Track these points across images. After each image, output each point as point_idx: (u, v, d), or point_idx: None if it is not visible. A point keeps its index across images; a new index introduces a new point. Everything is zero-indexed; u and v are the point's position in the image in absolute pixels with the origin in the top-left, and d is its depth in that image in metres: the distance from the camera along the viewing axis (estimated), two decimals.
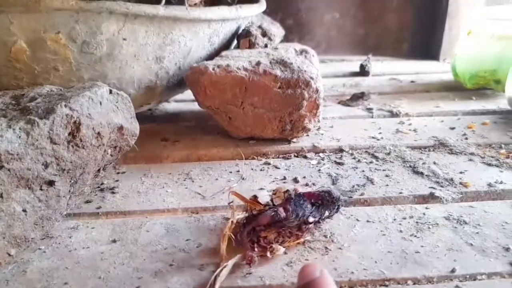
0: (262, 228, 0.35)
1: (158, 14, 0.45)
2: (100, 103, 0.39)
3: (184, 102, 0.75)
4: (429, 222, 0.39)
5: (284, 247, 0.34)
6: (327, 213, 0.37)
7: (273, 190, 0.39)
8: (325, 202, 0.37)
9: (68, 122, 0.35)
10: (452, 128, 0.61)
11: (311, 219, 0.36)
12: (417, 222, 0.39)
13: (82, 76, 0.46)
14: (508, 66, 0.67)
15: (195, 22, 0.51)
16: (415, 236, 0.37)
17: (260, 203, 0.38)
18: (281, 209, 0.35)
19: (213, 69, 0.51)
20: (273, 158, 0.53)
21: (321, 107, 0.54)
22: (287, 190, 0.38)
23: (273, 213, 0.35)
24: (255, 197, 0.38)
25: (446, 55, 1.04)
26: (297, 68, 0.52)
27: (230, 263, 0.31)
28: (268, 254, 0.33)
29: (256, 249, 0.33)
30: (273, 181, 0.47)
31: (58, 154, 0.34)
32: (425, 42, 1.08)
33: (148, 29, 0.46)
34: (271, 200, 0.38)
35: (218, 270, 0.31)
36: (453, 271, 0.32)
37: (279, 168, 0.50)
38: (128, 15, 0.43)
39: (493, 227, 0.38)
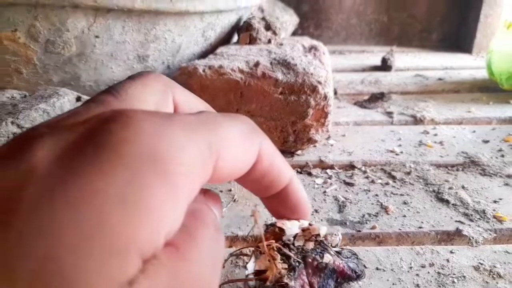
0: None
1: (135, 8, 0.38)
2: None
3: None
4: (454, 274, 0.31)
5: None
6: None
7: (303, 227, 0.29)
8: (347, 279, 0.30)
9: None
10: (486, 142, 0.52)
11: None
12: (438, 273, 0.31)
13: (50, 79, 0.40)
14: None
15: (183, 15, 0.43)
16: None
17: (279, 238, 0.29)
18: (306, 283, 0.27)
19: (204, 70, 0.44)
20: None
21: (330, 116, 0.47)
22: (318, 236, 0.29)
23: None
24: (280, 229, 0.26)
25: (480, 48, 0.93)
26: (302, 71, 0.44)
27: None
28: None
29: None
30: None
31: None
32: (457, 32, 0.97)
33: (125, 25, 0.39)
34: (294, 237, 0.29)
35: None
36: None
37: None
38: (99, 9, 0.36)
39: None
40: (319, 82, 0.44)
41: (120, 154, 0.12)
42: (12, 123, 0.30)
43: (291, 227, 0.26)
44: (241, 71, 0.44)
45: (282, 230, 0.26)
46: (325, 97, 0.45)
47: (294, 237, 0.28)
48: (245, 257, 0.33)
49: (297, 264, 0.27)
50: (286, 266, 0.27)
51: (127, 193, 0.11)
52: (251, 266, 0.27)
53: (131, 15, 0.39)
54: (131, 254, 0.11)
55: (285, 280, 0.26)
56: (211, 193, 0.17)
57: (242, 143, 0.15)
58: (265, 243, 0.26)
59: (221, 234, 0.15)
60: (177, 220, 0.13)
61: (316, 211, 0.39)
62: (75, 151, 0.12)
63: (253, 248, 0.28)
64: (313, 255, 0.27)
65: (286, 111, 0.45)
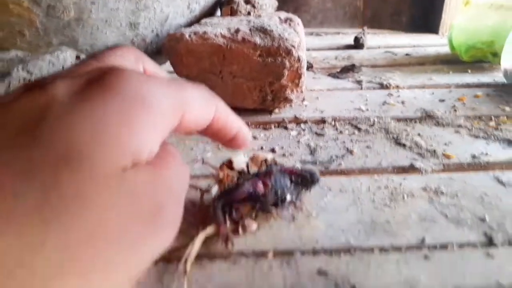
0: (236, 202, 0.33)
1: None
2: (63, 67, 0.37)
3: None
4: (405, 193, 0.37)
5: (256, 221, 0.33)
6: (303, 191, 0.35)
7: (250, 157, 0.37)
8: (304, 181, 0.35)
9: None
10: (442, 101, 0.59)
11: (288, 197, 0.34)
12: (392, 193, 0.37)
13: (50, 42, 0.44)
14: (506, 38, 0.64)
15: None
16: (388, 206, 0.35)
17: (234, 169, 0.36)
18: (260, 185, 0.33)
19: (189, 36, 0.49)
20: (252, 129, 0.51)
21: (303, 77, 0.53)
22: (266, 160, 0.37)
23: (251, 191, 0.33)
24: (229, 162, 0.37)
25: (446, 28, 1.00)
26: (278, 36, 0.50)
27: (201, 237, 0.30)
28: (240, 231, 0.32)
29: (228, 223, 0.32)
30: (250, 152, 0.45)
31: None
32: (425, 14, 1.04)
33: None
34: (247, 166, 0.36)
35: (189, 248, 0.29)
36: (423, 240, 0.31)
37: (257, 139, 0.49)
38: None
39: (471, 198, 0.36)
40: (293, 46, 0.50)
41: (118, 92, 0.16)
42: (23, 69, 0.34)
43: (237, 157, 0.36)
44: (223, 36, 0.49)
45: (231, 162, 0.36)
46: (299, 59, 0.50)
47: (247, 166, 0.35)
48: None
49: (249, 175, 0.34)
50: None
51: (124, 114, 0.15)
52: (214, 189, 0.36)
53: None
54: (126, 151, 0.15)
55: (238, 182, 0.33)
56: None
57: (203, 104, 0.20)
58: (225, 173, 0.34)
59: (186, 165, 0.19)
60: (155, 146, 0.17)
61: (291, 154, 0.45)
62: (84, 89, 0.15)
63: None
64: (263, 168, 0.35)
65: (264, 72, 0.50)
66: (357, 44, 0.88)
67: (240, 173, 0.36)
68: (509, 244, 0.31)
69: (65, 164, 0.13)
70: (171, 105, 0.17)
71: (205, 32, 0.49)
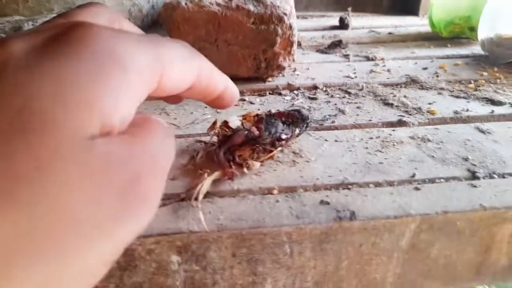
0: (236, 147, 0.36)
1: None
2: None
3: None
4: (395, 141, 0.40)
5: (259, 162, 0.35)
6: (297, 131, 0.38)
7: (243, 115, 0.40)
8: (295, 120, 0.38)
9: None
10: (425, 68, 0.62)
11: (283, 136, 0.37)
12: (383, 141, 0.40)
13: (52, 9, 0.45)
14: (481, 12, 0.68)
15: None
16: (380, 151, 0.38)
17: (231, 128, 0.39)
18: (253, 128, 0.36)
19: (186, 4, 0.50)
20: (248, 96, 0.54)
21: (295, 45, 0.55)
22: (258, 114, 0.39)
23: (246, 132, 0.35)
24: (225, 122, 0.39)
25: (425, 10, 1.04)
26: (270, 4, 0.52)
27: (210, 178, 0.32)
28: (245, 169, 0.34)
29: (232, 167, 0.34)
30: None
31: None
32: None
33: None
34: (242, 124, 0.39)
35: (200, 185, 0.31)
36: (413, 175, 0.34)
37: (253, 104, 0.51)
38: None
39: (455, 143, 0.40)
40: (285, 14, 0.52)
41: (86, 47, 0.13)
42: (32, 24, 0.35)
43: (231, 118, 0.38)
44: (218, 4, 0.51)
45: (226, 121, 0.38)
46: (290, 27, 0.52)
47: (242, 124, 0.38)
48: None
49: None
50: None
51: (92, 72, 0.13)
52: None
53: None
54: (93, 114, 0.13)
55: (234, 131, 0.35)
56: None
57: (184, 62, 0.17)
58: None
59: (172, 137, 0.17)
60: (130, 111, 0.15)
61: None
62: (47, 45, 0.13)
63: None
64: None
65: (258, 40, 0.52)
66: (342, 24, 0.91)
67: (236, 129, 0.38)
68: (490, 177, 0.34)
69: (20, 130, 0.11)
70: (148, 63, 0.15)
71: (201, 0, 0.51)
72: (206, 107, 0.50)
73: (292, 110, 0.39)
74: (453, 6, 0.77)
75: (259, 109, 0.49)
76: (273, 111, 0.41)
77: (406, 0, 1.09)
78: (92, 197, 0.12)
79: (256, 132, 0.35)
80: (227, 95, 0.22)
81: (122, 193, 0.13)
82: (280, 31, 0.52)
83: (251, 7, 0.51)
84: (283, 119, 0.38)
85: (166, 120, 0.46)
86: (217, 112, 0.48)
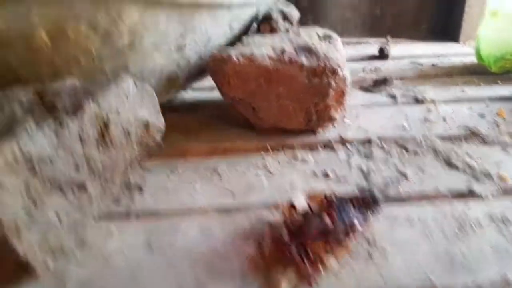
0: (309, 240, 0.33)
1: (179, 1, 0.42)
2: (127, 97, 0.36)
3: (201, 90, 0.72)
4: (472, 222, 0.37)
5: (334, 257, 0.32)
6: (370, 216, 0.35)
7: (308, 194, 0.36)
8: (366, 204, 0.35)
9: (96, 119, 0.33)
10: (482, 116, 0.58)
11: (356, 223, 0.34)
12: (459, 222, 0.37)
13: (103, 68, 0.44)
14: None
15: (216, 8, 0.48)
16: (459, 238, 0.35)
17: (297, 210, 0.35)
18: (326, 218, 0.33)
19: (237, 58, 0.48)
20: (299, 150, 0.51)
21: (347, 95, 0.52)
22: (326, 196, 0.36)
23: (320, 223, 0.32)
24: (291, 206, 0.36)
25: (466, 37, 1.00)
26: (323, 56, 0.49)
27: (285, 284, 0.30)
28: (322, 270, 0.31)
29: (307, 264, 0.31)
30: (303, 177, 0.45)
31: (88, 154, 0.32)
32: (444, 22, 1.04)
33: (169, 16, 0.44)
34: (309, 206, 0.35)
35: None
36: (504, 276, 0.31)
37: (307, 162, 0.48)
38: (148, 2, 0.40)
39: None
40: (338, 66, 0.49)
41: None
42: (93, 102, 0.34)
43: (297, 198, 0.36)
44: (270, 57, 0.49)
45: (293, 205, 0.35)
46: (344, 78, 0.50)
47: (309, 206, 0.35)
48: None
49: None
50: None
51: None
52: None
53: (174, 8, 0.44)
54: None
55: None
56: None
57: None
58: None
59: None
60: None
61: (345, 180, 0.44)
62: None
63: None
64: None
65: (310, 93, 0.50)
66: (382, 54, 0.88)
67: (305, 215, 0.35)
68: None
69: None
70: None
71: (252, 54, 0.49)
72: (258, 167, 0.47)
73: (364, 193, 0.35)
74: (504, 41, 0.73)
75: (321, 176, 0.46)
76: (339, 190, 0.37)
77: (445, 25, 1.04)
78: None
79: (329, 221, 0.32)
80: None
81: None
82: (333, 83, 0.49)
83: (304, 60, 0.49)
84: (354, 202, 0.35)
85: (218, 184, 0.44)
86: (270, 173, 0.46)
